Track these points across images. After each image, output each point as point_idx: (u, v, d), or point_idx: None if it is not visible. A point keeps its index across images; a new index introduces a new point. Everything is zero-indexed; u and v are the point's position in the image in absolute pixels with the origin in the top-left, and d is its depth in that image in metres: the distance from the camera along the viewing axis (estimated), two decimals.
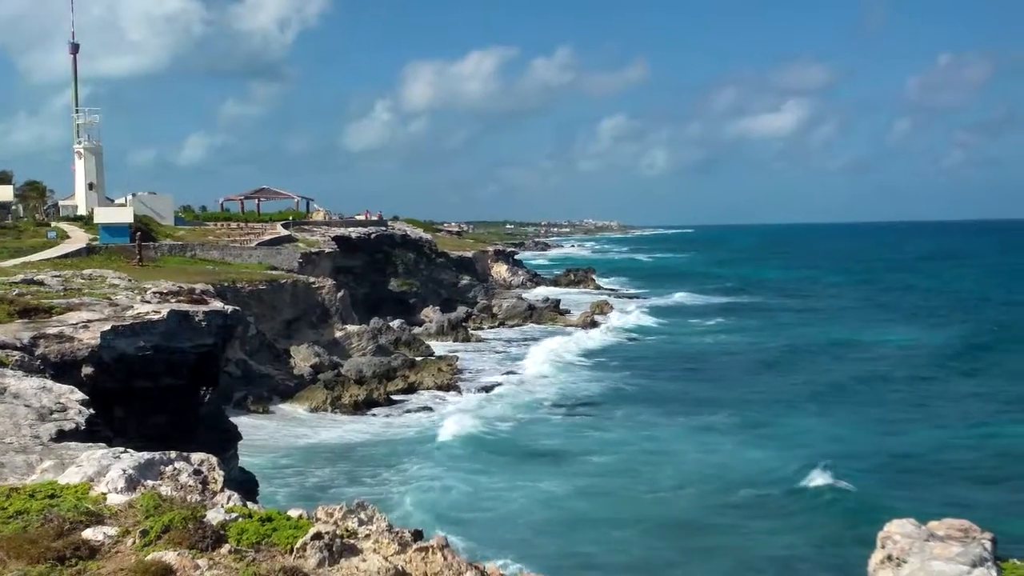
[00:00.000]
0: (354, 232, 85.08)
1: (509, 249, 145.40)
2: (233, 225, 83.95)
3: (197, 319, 27.21)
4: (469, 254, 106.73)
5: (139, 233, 59.21)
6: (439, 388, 53.37)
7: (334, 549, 6.84)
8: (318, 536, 6.88)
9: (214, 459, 8.99)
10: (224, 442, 27.97)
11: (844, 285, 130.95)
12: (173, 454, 8.92)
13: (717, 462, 38.14)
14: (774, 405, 49.41)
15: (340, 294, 61.21)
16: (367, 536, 7.16)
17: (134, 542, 7.14)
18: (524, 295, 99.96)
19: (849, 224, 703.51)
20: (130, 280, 34.62)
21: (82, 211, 74.73)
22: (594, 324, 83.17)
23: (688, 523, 30.93)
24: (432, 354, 63.27)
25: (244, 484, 25.71)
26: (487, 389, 53.33)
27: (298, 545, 6.89)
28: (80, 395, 14.85)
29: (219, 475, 8.68)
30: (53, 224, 68.93)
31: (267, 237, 72.32)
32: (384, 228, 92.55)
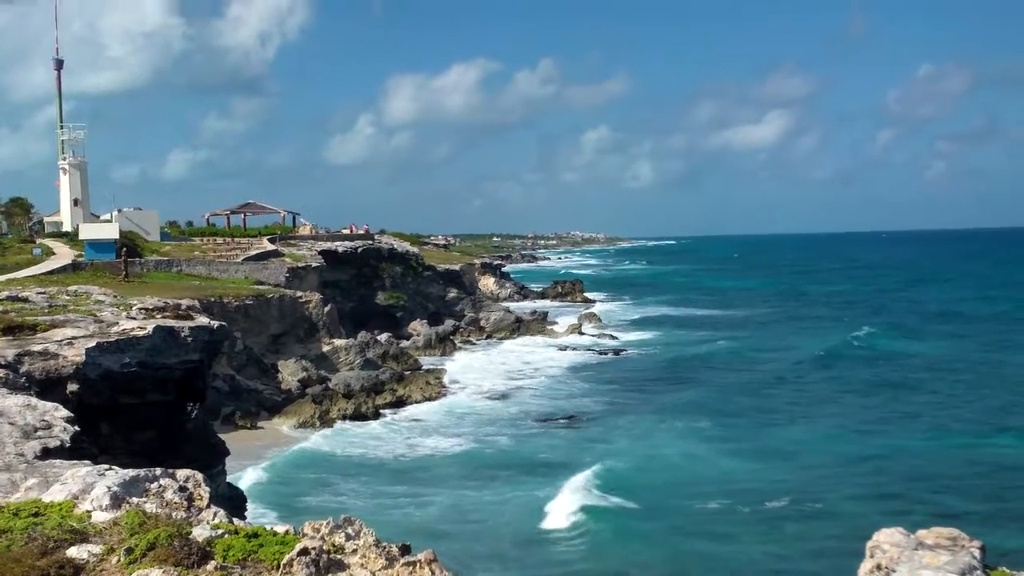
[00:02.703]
0: (341, 246, 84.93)
1: (496, 262, 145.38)
2: (219, 240, 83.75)
3: (183, 335, 27.08)
4: (456, 267, 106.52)
5: (125, 249, 59.01)
6: (427, 401, 53.31)
7: (321, 565, 6.79)
8: (305, 552, 6.83)
9: (200, 475, 8.93)
10: (211, 458, 27.83)
11: (809, 295, 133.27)
12: (158, 471, 8.85)
13: (703, 472, 38.18)
14: (749, 416, 49.68)
15: (327, 308, 61.06)
16: (354, 551, 7.11)
17: (119, 560, 7.08)
18: (511, 308, 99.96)
19: (832, 234, 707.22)
20: (116, 296, 34.45)
21: (67, 227, 74.47)
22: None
23: (677, 531, 30.94)
24: (420, 367, 63.19)
25: (232, 500, 25.61)
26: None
27: (285, 561, 6.84)
28: (65, 412, 14.74)
29: (205, 491, 8.62)
30: (38, 240, 68.65)
31: (253, 252, 72.12)
32: (371, 242, 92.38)
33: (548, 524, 31.88)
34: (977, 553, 6.21)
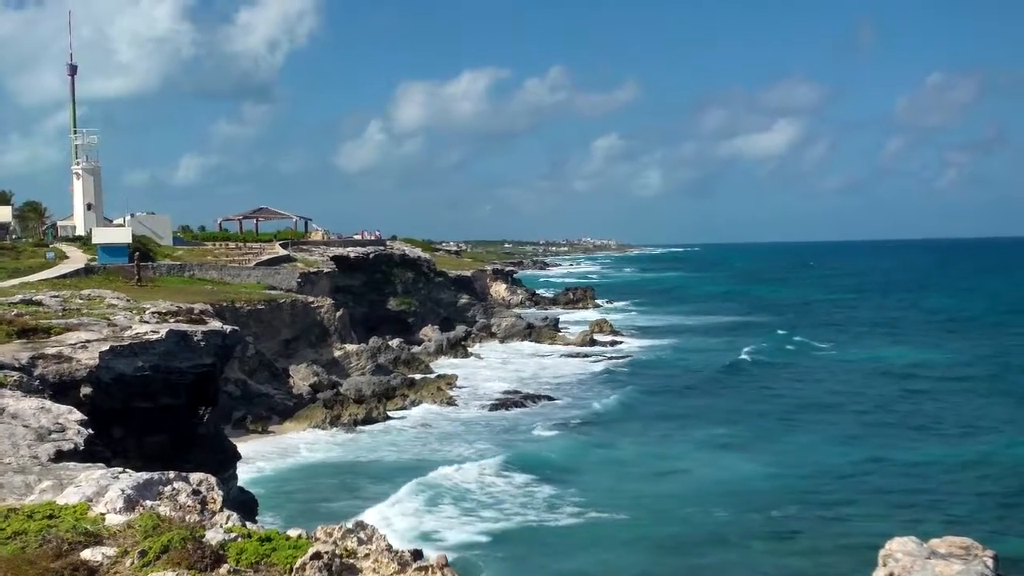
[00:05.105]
0: (353, 252, 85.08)
1: (508, 268, 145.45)
2: (232, 245, 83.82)
3: (196, 339, 27.19)
4: (468, 273, 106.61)
5: (137, 253, 59.29)
6: (438, 406, 53.31)
7: (333, 569, 6.81)
8: (317, 556, 6.85)
9: (213, 479, 8.97)
10: (223, 462, 27.90)
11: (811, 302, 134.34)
12: (172, 474, 8.89)
13: (708, 479, 38.09)
14: (757, 423, 49.66)
15: (339, 313, 61.14)
16: (367, 556, 7.13)
17: (133, 563, 7.12)
18: (523, 314, 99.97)
19: (840, 242, 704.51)
20: (129, 300, 34.60)
21: (80, 231, 74.80)
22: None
23: (686, 541, 30.86)
24: (431, 373, 63.22)
25: (244, 504, 25.64)
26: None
27: (297, 565, 6.86)
28: (79, 415, 14.81)
29: (218, 495, 8.66)
30: (52, 244, 68.98)
31: (266, 257, 72.28)
32: (383, 247, 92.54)
33: (560, 526, 31.87)
34: (990, 562, 6.20)
